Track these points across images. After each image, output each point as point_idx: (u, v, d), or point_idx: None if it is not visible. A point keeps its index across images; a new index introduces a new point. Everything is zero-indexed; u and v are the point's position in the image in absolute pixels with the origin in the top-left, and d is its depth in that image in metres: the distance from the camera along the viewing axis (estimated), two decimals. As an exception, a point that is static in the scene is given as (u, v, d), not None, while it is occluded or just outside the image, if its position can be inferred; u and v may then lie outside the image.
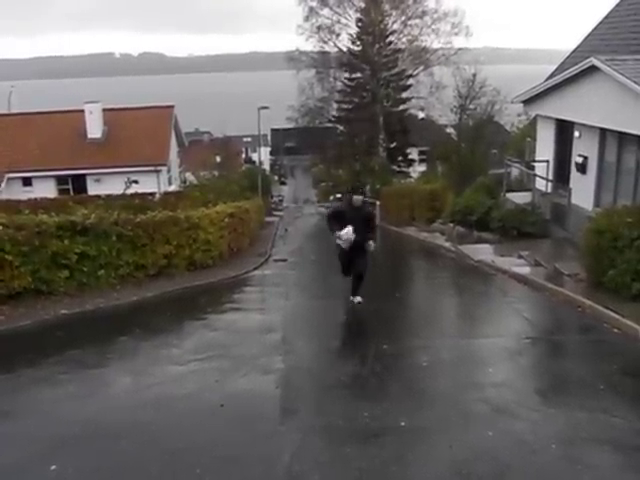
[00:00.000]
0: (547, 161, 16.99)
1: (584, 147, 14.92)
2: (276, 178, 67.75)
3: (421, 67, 44.45)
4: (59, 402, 6.07)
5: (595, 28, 17.50)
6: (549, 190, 16.66)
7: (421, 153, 48.27)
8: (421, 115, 45.65)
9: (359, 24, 44.59)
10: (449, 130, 39.10)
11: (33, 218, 10.78)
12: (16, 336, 8.62)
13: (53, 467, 4.64)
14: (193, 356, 7.39)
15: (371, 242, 9.59)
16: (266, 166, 64.42)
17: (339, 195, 45.24)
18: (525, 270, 12.49)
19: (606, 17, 17.16)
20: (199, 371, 6.85)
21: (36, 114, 31.97)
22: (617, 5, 16.84)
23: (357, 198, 9.59)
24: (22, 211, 11.97)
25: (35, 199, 22.12)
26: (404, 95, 46.74)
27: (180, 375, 6.75)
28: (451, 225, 19.04)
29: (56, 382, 6.63)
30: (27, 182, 28.88)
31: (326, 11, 44.20)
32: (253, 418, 5.48)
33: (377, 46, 44.05)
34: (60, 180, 29.54)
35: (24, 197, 23.36)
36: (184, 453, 4.82)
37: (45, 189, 27.18)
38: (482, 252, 14.83)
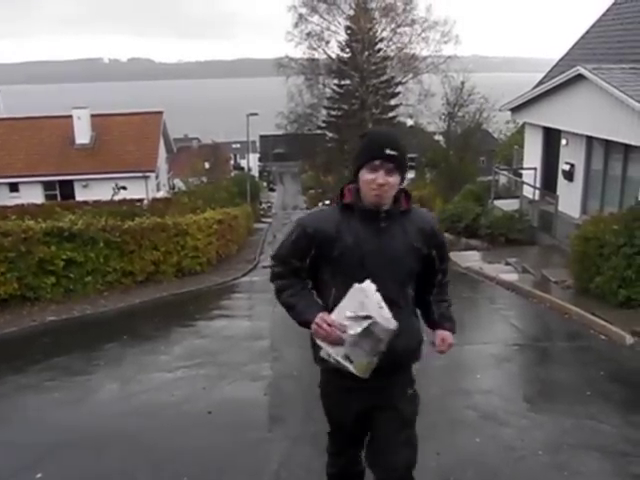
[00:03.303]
0: (535, 168, 17.12)
1: (571, 155, 15.05)
2: (265, 184, 67.73)
3: (410, 75, 44.65)
4: (45, 409, 6.02)
5: (582, 37, 17.68)
6: (537, 197, 16.77)
7: (410, 160, 48.38)
8: (410, 122, 45.79)
9: (348, 31, 44.76)
10: (437, 137, 39.31)
11: (20, 224, 10.72)
12: (2, 343, 8.54)
13: (39, 475, 4.59)
14: (181, 363, 7.34)
15: (445, 334, 3.06)
16: (255, 172, 64.45)
17: (328, 202, 45.38)
18: (513, 277, 12.54)
19: (593, 26, 17.34)
20: (187, 378, 6.81)
21: (23, 119, 31.83)
22: (603, 15, 17.02)
23: (388, 182, 2.71)
24: (9, 217, 11.89)
25: (22, 205, 22.02)
26: (393, 102, 46.96)
27: (167, 382, 6.70)
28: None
29: (42, 389, 6.56)
30: (14, 188, 28.71)
31: (316, 18, 44.37)
32: (241, 426, 5.45)
33: (366, 53, 44.21)
34: (47, 186, 29.38)
35: (11, 203, 23.25)
36: (171, 461, 4.79)
37: (32, 195, 27.05)
38: (470, 259, 14.89)
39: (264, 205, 52.89)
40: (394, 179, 2.70)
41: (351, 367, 2.65)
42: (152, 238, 12.76)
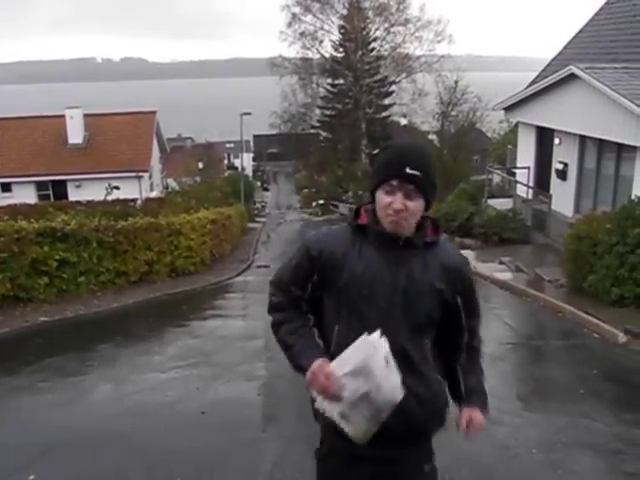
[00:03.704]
0: (528, 168, 17.15)
1: (564, 154, 15.09)
2: (259, 184, 67.63)
3: (404, 74, 44.75)
4: (38, 410, 5.99)
5: (575, 36, 17.74)
6: (530, 196, 16.81)
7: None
8: (403, 122, 45.90)
9: (342, 31, 44.83)
10: (431, 137, 39.35)
11: (12, 224, 10.66)
12: (-6, 344, 8.50)
13: (32, 477, 4.57)
14: (174, 363, 7.33)
15: (474, 413, 2.45)
16: (249, 172, 64.35)
17: (322, 202, 45.33)
18: (506, 276, 12.57)
19: (585, 26, 17.41)
20: (180, 378, 6.79)
21: (16, 119, 31.67)
22: (596, 14, 17.09)
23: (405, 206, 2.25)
24: (1, 217, 11.84)
25: (15, 205, 21.89)
26: (386, 102, 47.05)
27: (161, 382, 6.68)
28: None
29: (35, 390, 6.54)
30: (6, 188, 28.57)
31: (309, 17, 44.46)
32: (235, 426, 5.44)
33: (360, 53, 44.28)
34: (40, 186, 29.24)
35: (3, 203, 23.11)
36: (165, 461, 4.77)
37: (25, 195, 26.89)
38: (464, 258, 14.88)
39: (258, 205, 52.80)
40: (415, 204, 2.23)
41: (347, 428, 2.18)
42: (145, 238, 12.73)
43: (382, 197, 2.24)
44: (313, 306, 2.40)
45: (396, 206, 2.20)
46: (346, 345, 2.17)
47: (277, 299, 2.47)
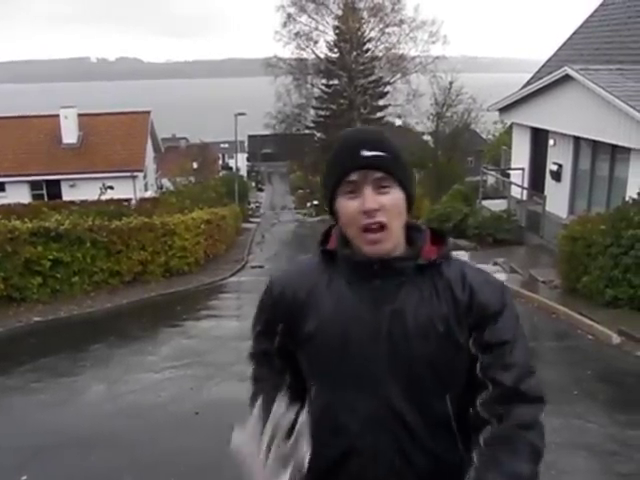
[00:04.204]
0: (522, 169, 17.18)
1: (559, 155, 15.13)
2: (253, 184, 67.60)
3: (398, 75, 44.70)
4: (31, 410, 5.97)
5: (569, 38, 17.79)
6: (524, 197, 16.84)
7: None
8: (398, 122, 45.90)
9: (337, 31, 44.76)
10: (426, 137, 39.41)
11: (6, 224, 10.64)
12: (-13, 344, 8.47)
13: (24, 477, 4.55)
14: (168, 363, 7.31)
15: None
16: (243, 172, 64.30)
17: (316, 202, 45.39)
18: (501, 277, 12.55)
19: (580, 27, 17.46)
20: (174, 379, 6.78)
21: (10, 118, 31.55)
22: (590, 16, 17.14)
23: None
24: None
25: (8, 205, 21.81)
26: (381, 102, 47.01)
27: (155, 383, 6.67)
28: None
29: (28, 390, 6.51)
30: (0, 187, 28.48)
31: (304, 18, 44.32)
32: (228, 426, 5.42)
33: (354, 53, 44.22)
34: (34, 185, 29.14)
35: (-3, 203, 23.03)
36: (158, 462, 4.76)
37: (19, 194, 26.79)
38: (458, 259, 14.92)
39: (252, 205, 52.76)
40: (392, 198, 1.58)
41: None
42: (139, 238, 12.70)
43: (345, 204, 1.59)
44: (292, 361, 1.77)
45: (367, 206, 1.55)
46: (323, 412, 1.64)
47: (251, 350, 1.93)
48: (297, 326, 1.71)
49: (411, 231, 1.69)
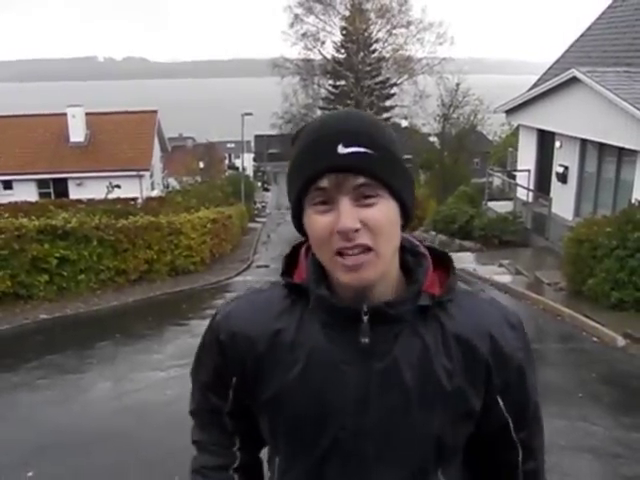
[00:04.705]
0: (528, 170, 17.16)
1: (565, 157, 15.10)
2: (259, 184, 67.65)
3: (405, 76, 44.68)
4: (37, 407, 5.99)
5: (577, 40, 17.74)
6: (530, 199, 16.81)
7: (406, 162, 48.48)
8: (404, 123, 45.87)
9: (344, 32, 44.77)
10: (432, 139, 39.36)
11: (13, 222, 10.69)
12: (-6, 341, 8.51)
13: (30, 474, 4.58)
14: (174, 362, 7.33)
15: None
16: (249, 172, 64.35)
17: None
18: (506, 278, 12.57)
19: (587, 30, 17.41)
20: (180, 377, 6.79)
21: (18, 117, 31.72)
22: (598, 18, 17.09)
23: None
24: (2, 215, 11.85)
25: (16, 202, 21.90)
26: (388, 103, 47.01)
27: (160, 381, 6.69)
28: (433, 233, 19.14)
29: (34, 387, 6.55)
30: (8, 185, 28.61)
31: (311, 19, 44.37)
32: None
33: (361, 54, 44.23)
34: (41, 184, 29.28)
35: (4, 200, 23.11)
36: (163, 460, 4.78)
37: (26, 193, 26.92)
38: (464, 260, 14.90)
39: (258, 205, 52.80)
40: (380, 211, 1.10)
41: None
42: (146, 237, 12.74)
43: (313, 220, 1.12)
44: (249, 419, 1.34)
45: (343, 225, 1.07)
46: None
47: (193, 419, 1.58)
48: (255, 386, 1.26)
49: (406, 254, 1.23)
